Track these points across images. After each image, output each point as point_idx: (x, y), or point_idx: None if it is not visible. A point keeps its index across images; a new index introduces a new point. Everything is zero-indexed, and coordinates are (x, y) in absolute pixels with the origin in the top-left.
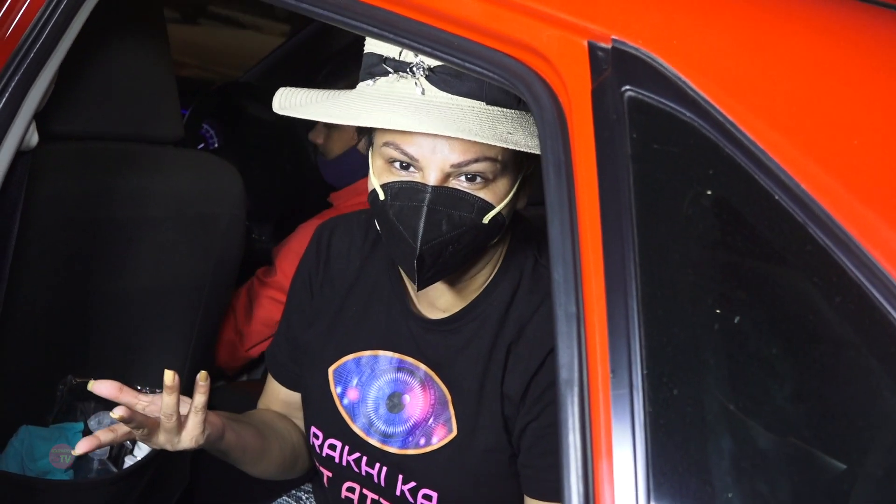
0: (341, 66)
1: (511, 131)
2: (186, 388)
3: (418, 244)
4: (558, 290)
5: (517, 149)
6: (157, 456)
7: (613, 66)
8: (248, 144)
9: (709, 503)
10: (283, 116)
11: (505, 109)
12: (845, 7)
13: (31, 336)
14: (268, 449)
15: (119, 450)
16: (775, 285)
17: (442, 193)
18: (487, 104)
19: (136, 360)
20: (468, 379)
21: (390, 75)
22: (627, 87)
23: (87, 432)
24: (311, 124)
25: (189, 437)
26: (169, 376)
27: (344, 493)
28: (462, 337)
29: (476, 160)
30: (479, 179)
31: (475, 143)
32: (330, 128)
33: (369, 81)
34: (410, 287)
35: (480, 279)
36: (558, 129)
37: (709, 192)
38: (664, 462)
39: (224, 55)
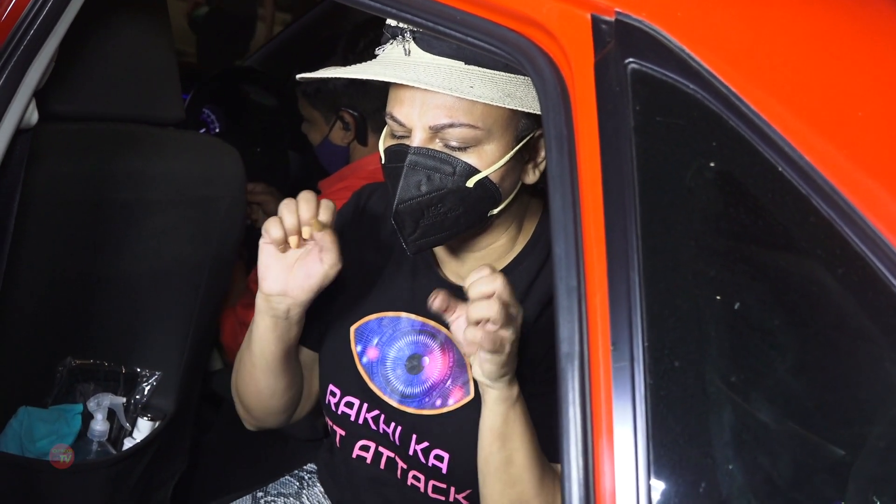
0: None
1: (474, 86)
2: (186, 369)
3: (395, 202)
4: (559, 264)
5: (478, 100)
6: (157, 438)
7: (617, 39)
8: (249, 129)
9: (709, 475)
10: (285, 102)
11: (485, 70)
12: None
13: (30, 317)
14: (295, 367)
15: (118, 432)
16: (778, 257)
17: (422, 154)
18: (466, 64)
19: (137, 343)
20: None
21: (391, 41)
22: (631, 59)
23: (86, 414)
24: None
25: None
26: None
27: (357, 452)
28: None
29: (451, 125)
30: (459, 144)
31: (452, 107)
32: (309, 118)
33: (378, 49)
34: (438, 253)
35: (500, 250)
36: (560, 102)
37: (712, 165)
38: (664, 434)
39: None
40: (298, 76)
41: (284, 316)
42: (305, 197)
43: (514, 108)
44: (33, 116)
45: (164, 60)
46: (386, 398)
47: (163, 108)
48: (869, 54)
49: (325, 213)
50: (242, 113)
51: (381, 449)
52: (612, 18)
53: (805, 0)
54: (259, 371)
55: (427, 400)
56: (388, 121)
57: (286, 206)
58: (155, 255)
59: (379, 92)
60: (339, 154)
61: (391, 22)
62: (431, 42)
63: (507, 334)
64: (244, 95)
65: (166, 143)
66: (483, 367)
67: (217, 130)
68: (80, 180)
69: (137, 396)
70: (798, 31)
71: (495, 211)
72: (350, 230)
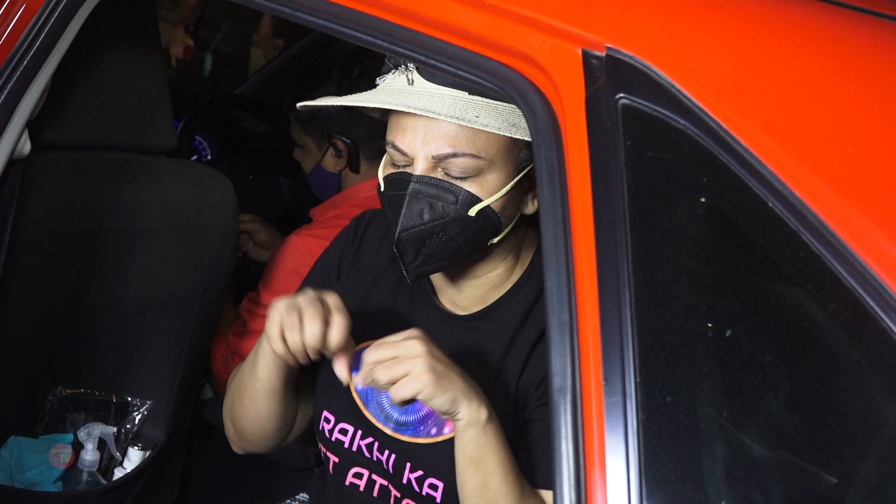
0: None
1: (479, 115)
2: (177, 398)
3: (397, 230)
4: (551, 298)
5: (483, 130)
6: (147, 468)
7: (607, 74)
8: (241, 156)
9: None
10: (277, 128)
11: (488, 100)
12: (838, 16)
13: (20, 346)
14: (295, 391)
15: (109, 461)
16: (769, 293)
17: (424, 182)
18: (470, 94)
19: (128, 372)
20: (481, 375)
21: (393, 71)
22: (621, 94)
23: (76, 444)
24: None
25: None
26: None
27: (350, 480)
28: (480, 335)
29: (454, 154)
30: (460, 173)
31: (455, 137)
32: (302, 145)
33: (379, 79)
34: (435, 281)
35: (497, 279)
36: (552, 136)
37: (702, 200)
38: (657, 470)
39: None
40: (299, 104)
41: None
42: (310, 314)
43: (519, 137)
44: (26, 146)
45: (157, 89)
46: (380, 426)
47: (155, 136)
48: (858, 90)
49: (338, 334)
50: (234, 140)
51: (374, 477)
52: (602, 54)
53: (794, 36)
54: (261, 395)
55: (422, 428)
56: (389, 150)
57: (289, 325)
58: (147, 283)
59: (372, 120)
60: (330, 181)
61: None
62: (434, 72)
63: (406, 370)
64: (236, 122)
65: (159, 171)
66: (429, 403)
67: (209, 157)
68: (72, 209)
69: (128, 426)
70: (787, 68)
71: (495, 240)
72: (349, 256)
